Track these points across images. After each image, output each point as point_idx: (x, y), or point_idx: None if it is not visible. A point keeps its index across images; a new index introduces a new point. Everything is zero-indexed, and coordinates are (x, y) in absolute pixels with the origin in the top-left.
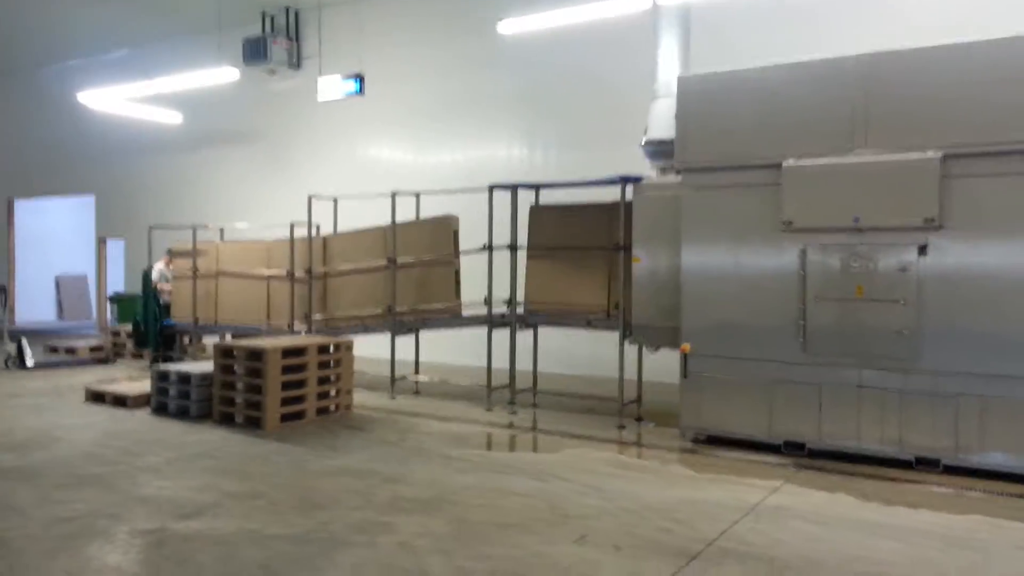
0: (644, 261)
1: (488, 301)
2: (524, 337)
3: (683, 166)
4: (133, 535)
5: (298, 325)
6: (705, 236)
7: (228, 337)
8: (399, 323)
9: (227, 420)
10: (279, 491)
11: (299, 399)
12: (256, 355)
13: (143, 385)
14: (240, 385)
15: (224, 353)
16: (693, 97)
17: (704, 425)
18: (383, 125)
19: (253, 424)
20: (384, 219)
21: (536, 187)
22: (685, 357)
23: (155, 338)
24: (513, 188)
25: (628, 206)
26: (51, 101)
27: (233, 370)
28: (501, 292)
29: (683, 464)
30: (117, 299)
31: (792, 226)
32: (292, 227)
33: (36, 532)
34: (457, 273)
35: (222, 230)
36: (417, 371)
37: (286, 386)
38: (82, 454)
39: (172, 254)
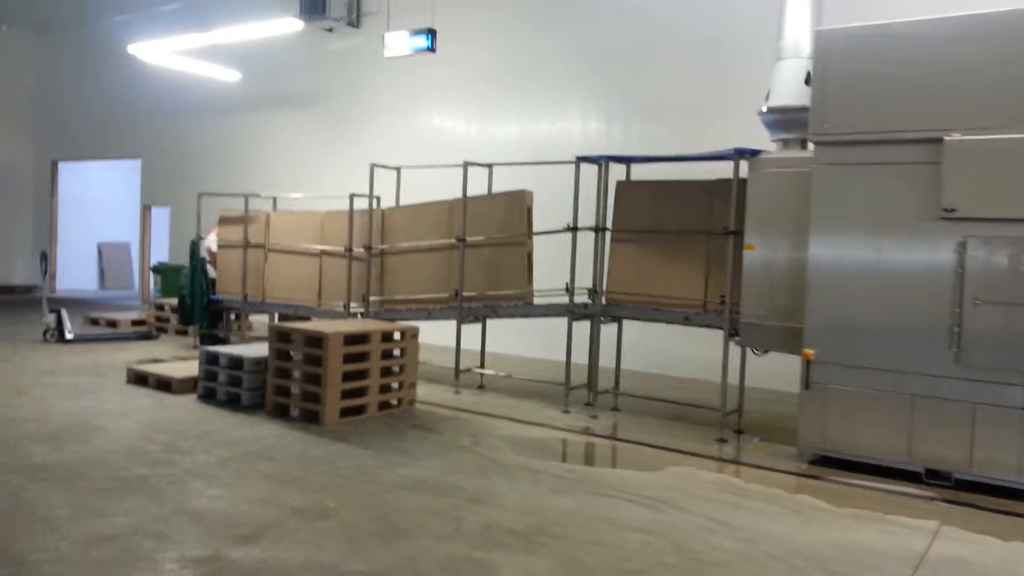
0: (758, 249)
1: (570, 289)
2: (602, 331)
3: (819, 138)
4: (182, 565)
5: (354, 307)
6: (840, 222)
7: (275, 317)
8: (466, 309)
9: (281, 412)
10: (350, 508)
11: (360, 392)
12: (316, 341)
13: (189, 367)
14: (297, 374)
15: (280, 337)
16: (835, 56)
17: (828, 445)
18: (446, 92)
19: (310, 418)
20: (446, 193)
21: (627, 160)
22: (808, 365)
23: (202, 315)
24: (603, 161)
25: (741, 185)
26: (99, 58)
27: (289, 356)
28: (577, 279)
29: (812, 493)
30: (161, 270)
31: (954, 214)
32: (351, 198)
33: (72, 555)
34: (530, 256)
35: (275, 199)
36: (483, 364)
37: (347, 377)
38: (124, 449)
39: (220, 222)
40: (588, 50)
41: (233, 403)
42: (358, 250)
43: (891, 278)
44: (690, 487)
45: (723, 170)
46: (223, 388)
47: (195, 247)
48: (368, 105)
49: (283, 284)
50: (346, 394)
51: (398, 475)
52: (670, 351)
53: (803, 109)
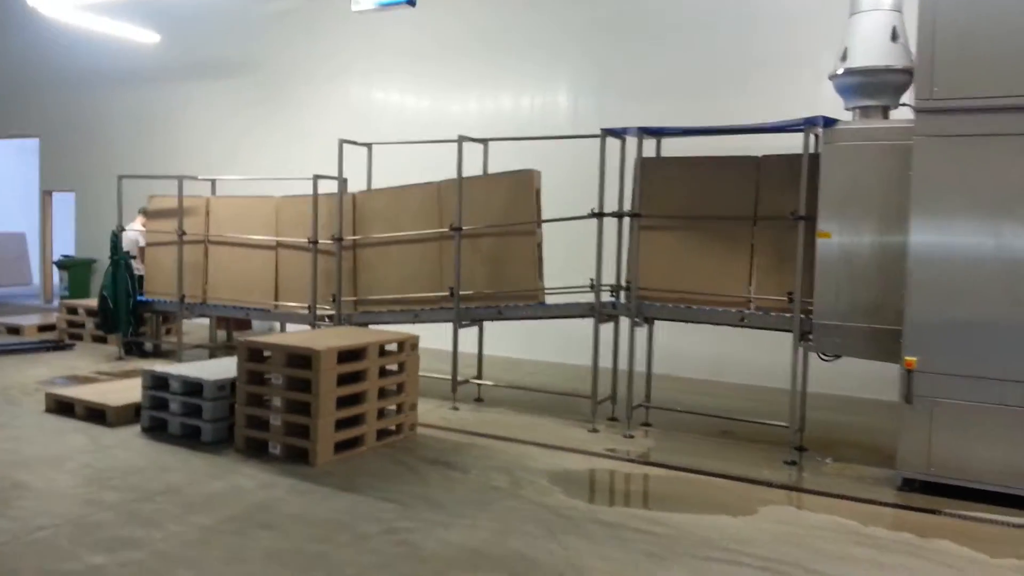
0: (835, 237)
1: (595, 286)
2: (607, 331)
3: (925, 105)
4: None
5: (321, 309)
6: (950, 204)
7: (213, 321)
8: (464, 311)
9: (256, 448)
10: None
11: (357, 419)
12: (302, 360)
13: (124, 389)
14: (278, 402)
15: (252, 355)
16: (946, 5)
17: (934, 469)
18: (411, 60)
19: (296, 456)
20: (417, 177)
21: (662, 133)
22: (909, 375)
23: (128, 320)
24: (632, 134)
25: (801, 162)
26: None
27: (265, 379)
28: (584, 273)
29: (950, 537)
30: (67, 265)
31: None
32: (315, 180)
33: None
34: (539, 247)
35: (213, 182)
36: (480, 373)
37: (341, 402)
38: (64, 520)
39: (147, 213)
40: (580, 13)
41: (191, 438)
42: (324, 242)
43: (1016, 269)
44: (805, 538)
45: (759, 145)
46: (177, 419)
47: (116, 239)
48: (317, 74)
49: (229, 283)
50: (340, 423)
51: (444, 543)
52: (695, 354)
53: (889, 70)
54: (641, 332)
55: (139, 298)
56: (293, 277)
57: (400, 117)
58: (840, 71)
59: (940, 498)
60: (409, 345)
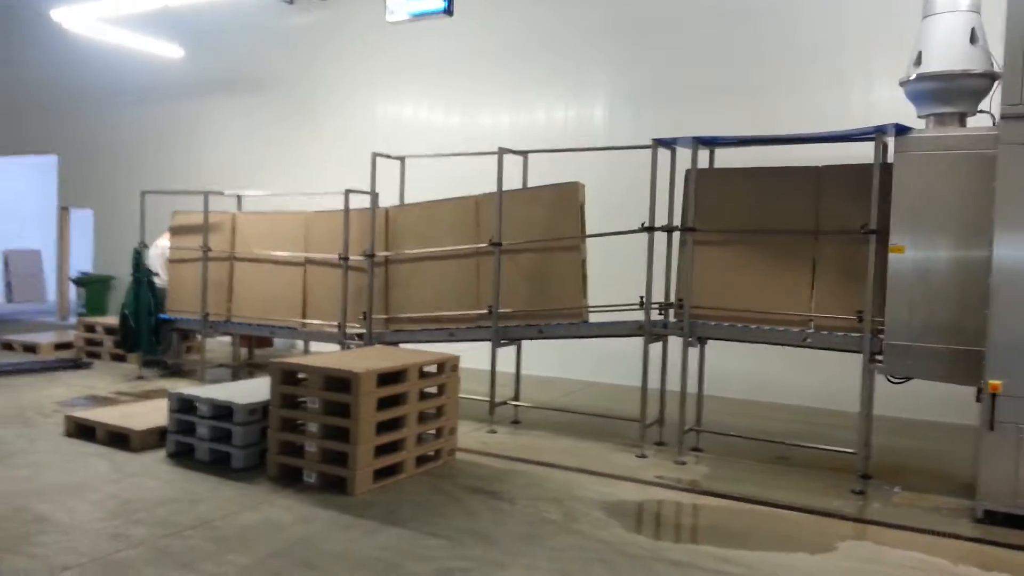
0: (909, 251)
1: (646, 303)
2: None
3: (1013, 111)
4: None
5: (351, 328)
6: None
7: (237, 339)
8: (503, 330)
9: (290, 476)
10: None
11: (396, 445)
12: (341, 383)
13: (149, 412)
14: (314, 427)
15: (286, 378)
16: None
17: (1021, 500)
18: (441, 73)
19: (333, 485)
20: (449, 192)
21: (711, 143)
22: (992, 399)
23: (150, 339)
24: (684, 145)
25: (864, 172)
26: (7, 29)
27: (299, 403)
28: (622, 289)
29: None
30: (84, 282)
31: None
32: (347, 195)
33: None
34: (583, 263)
35: (239, 198)
36: (517, 395)
37: (380, 427)
38: (90, 559)
39: (173, 229)
40: (613, 21)
41: (220, 464)
42: (355, 258)
43: None
44: None
45: (810, 156)
46: (205, 445)
47: (139, 256)
48: (342, 88)
49: (254, 300)
50: (379, 449)
51: None
52: (738, 372)
53: (968, 75)
54: (690, 352)
55: (162, 316)
56: (322, 294)
57: (427, 131)
58: (913, 76)
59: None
60: (450, 366)
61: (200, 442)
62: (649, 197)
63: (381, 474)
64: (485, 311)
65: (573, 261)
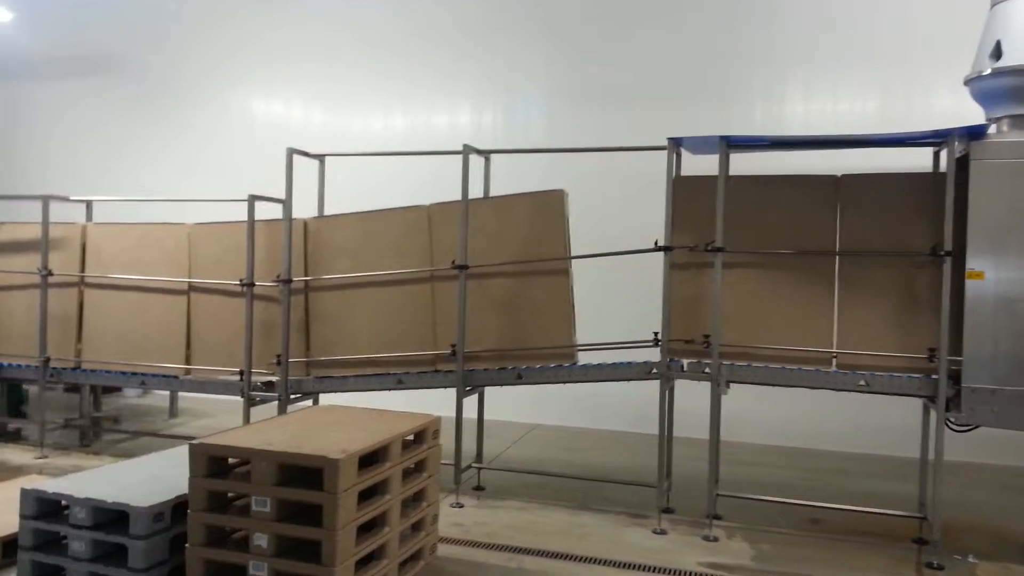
0: (990, 277)
1: (662, 341)
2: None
3: None
4: None
5: (258, 374)
6: None
7: (86, 390)
8: (471, 374)
9: None
10: None
11: (376, 553)
12: (303, 473)
13: None
14: (263, 541)
15: (215, 466)
16: None
17: None
18: (315, 64)
19: None
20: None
21: (738, 144)
22: None
23: None
24: (722, 144)
25: (933, 181)
26: None
27: (236, 503)
28: (624, 320)
29: None
30: None
31: None
32: (252, 202)
33: None
34: (571, 291)
35: (89, 205)
36: (480, 453)
37: (360, 529)
38: None
39: None
40: (545, 17)
41: None
42: (264, 284)
43: None
44: None
45: (821, 164)
46: (83, 568)
47: None
48: (219, 73)
49: (115, 339)
50: (359, 562)
51: None
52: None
53: None
54: (696, 395)
55: None
56: (213, 332)
57: (327, 130)
58: (987, 71)
59: None
60: (431, 432)
61: (75, 564)
62: (666, 209)
63: None
64: (446, 351)
65: (559, 287)
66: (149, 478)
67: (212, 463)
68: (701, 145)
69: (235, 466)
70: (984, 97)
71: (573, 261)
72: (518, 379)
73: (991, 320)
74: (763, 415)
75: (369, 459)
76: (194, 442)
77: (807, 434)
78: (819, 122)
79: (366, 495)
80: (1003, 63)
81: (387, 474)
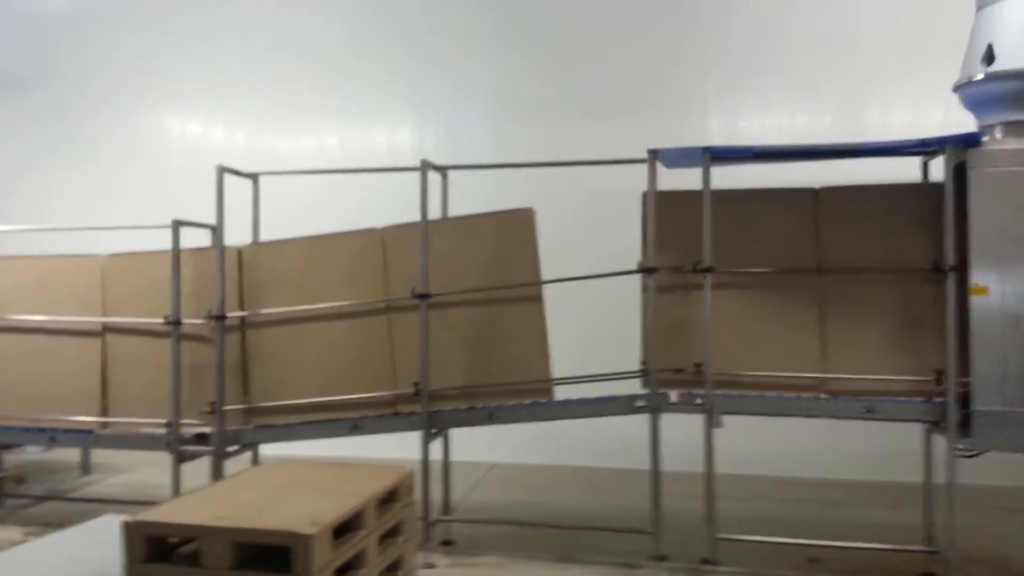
0: (995, 292)
1: (649, 371)
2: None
3: None
4: None
5: (188, 425)
6: None
7: None
8: (436, 415)
9: None
10: None
11: None
12: (265, 553)
13: None
14: None
15: (155, 548)
16: None
17: None
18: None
19: None
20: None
21: (725, 155)
22: None
23: None
24: (705, 155)
25: (930, 192)
26: None
27: None
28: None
29: None
30: None
31: None
32: (176, 227)
33: None
34: (544, 319)
35: None
36: (447, 503)
37: None
38: None
39: None
40: (493, 24)
41: None
42: (192, 321)
43: None
44: None
45: (793, 178)
46: None
47: None
48: (118, 92)
49: (17, 388)
50: None
51: None
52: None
53: None
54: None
55: None
56: (133, 378)
57: (253, 151)
58: (979, 76)
59: None
60: (404, 488)
61: None
62: (642, 227)
63: None
64: (407, 390)
65: (533, 316)
66: (69, 561)
67: (151, 544)
68: (679, 157)
69: (178, 545)
70: (976, 103)
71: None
72: (490, 419)
73: (999, 338)
74: (731, 443)
75: (342, 528)
76: (129, 520)
77: (778, 462)
78: (775, 138)
79: (343, 572)
80: (997, 67)
81: (363, 544)
